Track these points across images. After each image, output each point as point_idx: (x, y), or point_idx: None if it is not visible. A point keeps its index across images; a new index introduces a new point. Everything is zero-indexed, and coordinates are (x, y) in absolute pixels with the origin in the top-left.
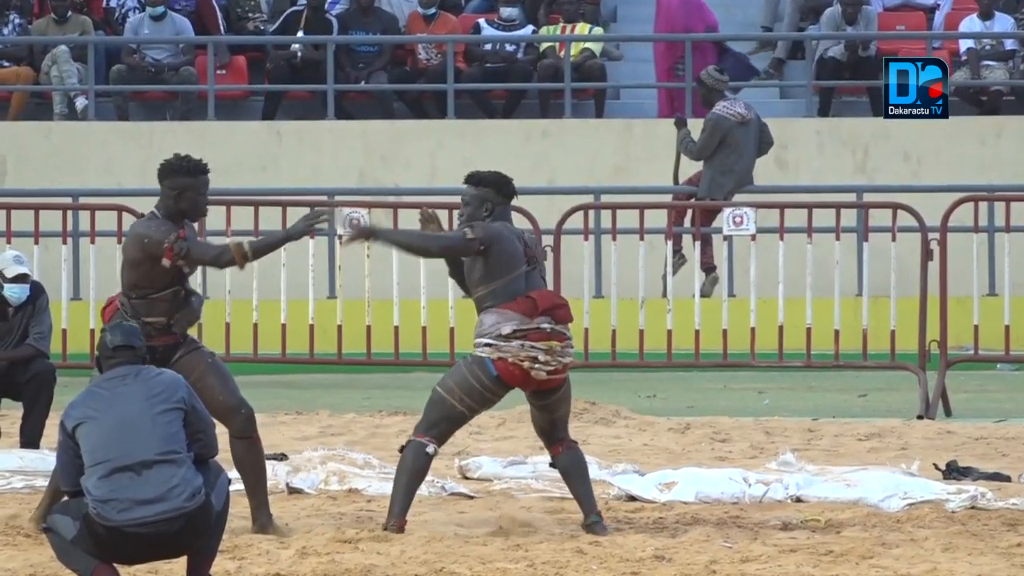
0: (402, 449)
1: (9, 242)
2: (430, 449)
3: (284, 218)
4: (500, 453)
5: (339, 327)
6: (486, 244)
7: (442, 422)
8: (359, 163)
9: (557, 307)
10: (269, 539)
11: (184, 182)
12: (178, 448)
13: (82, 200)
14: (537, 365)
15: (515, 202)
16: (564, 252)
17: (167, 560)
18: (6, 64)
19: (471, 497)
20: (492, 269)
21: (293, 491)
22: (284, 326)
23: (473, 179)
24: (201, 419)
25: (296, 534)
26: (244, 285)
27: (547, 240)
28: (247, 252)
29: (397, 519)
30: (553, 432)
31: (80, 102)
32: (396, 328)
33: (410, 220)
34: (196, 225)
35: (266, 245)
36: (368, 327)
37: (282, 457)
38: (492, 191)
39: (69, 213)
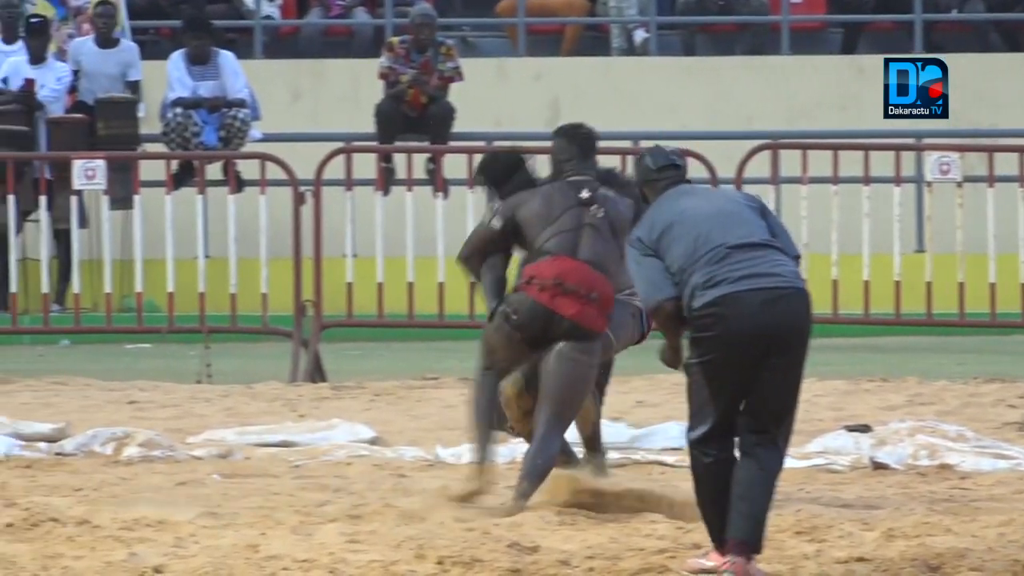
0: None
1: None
2: None
3: (866, 164)
4: None
5: (928, 284)
6: None
7: None
8: (951, 101)
9: None
10: (851, 520)
11: None
12: (776, 244)
13: (643, 144)
14: None
15: None
16: None
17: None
18: None
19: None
20: None
21: (878, 466)
22: (867, 283)
23: None
24: (778, 224)
25: (883, 513)
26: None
27: None
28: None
29: None
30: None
31: (639, 35)
32: (992, 285)
33: (1007, 165)
34: None
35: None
36: (960, 284)
37: (866, 429)
38: None
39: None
